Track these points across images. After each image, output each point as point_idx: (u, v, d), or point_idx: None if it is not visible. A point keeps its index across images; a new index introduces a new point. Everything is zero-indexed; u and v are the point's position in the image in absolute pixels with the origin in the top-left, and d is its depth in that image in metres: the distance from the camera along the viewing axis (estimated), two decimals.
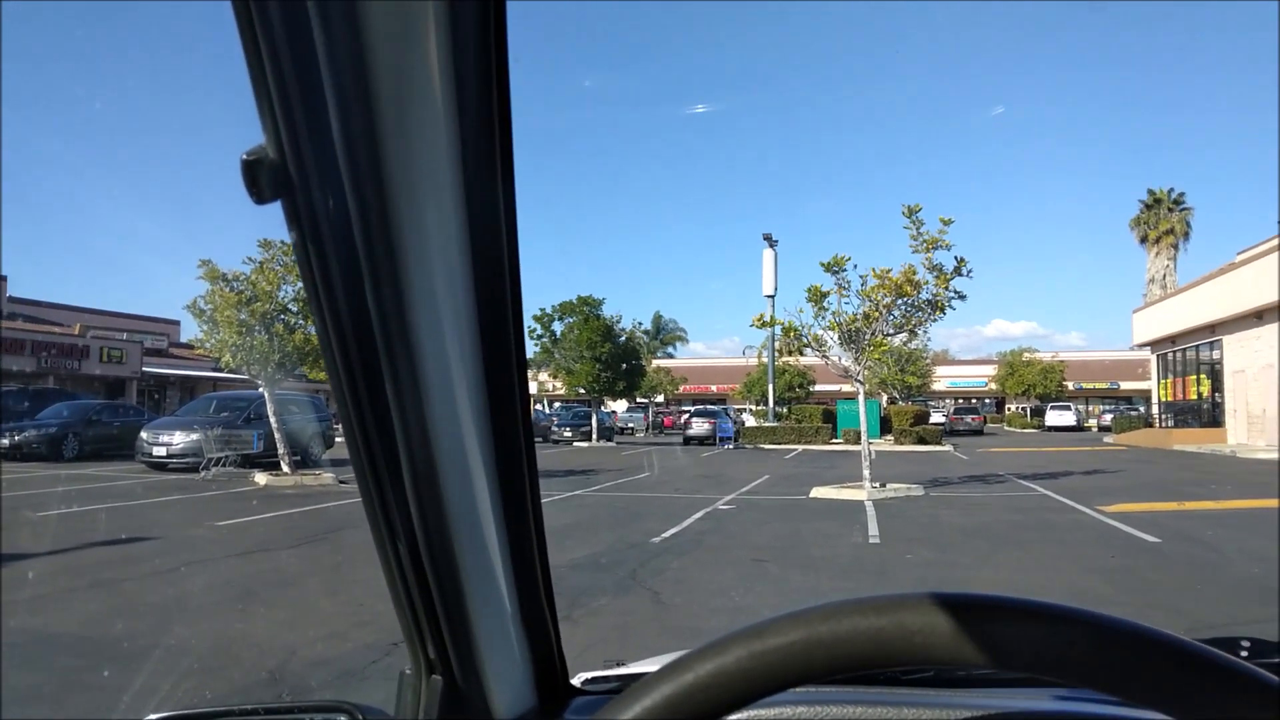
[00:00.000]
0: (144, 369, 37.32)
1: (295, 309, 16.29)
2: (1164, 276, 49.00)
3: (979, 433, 48.28)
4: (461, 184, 0.69)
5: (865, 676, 1.05)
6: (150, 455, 18.47)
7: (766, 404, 41.69)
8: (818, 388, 47.54)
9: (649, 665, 1.28)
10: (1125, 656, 0.51)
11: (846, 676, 1.05)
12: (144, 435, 19.01)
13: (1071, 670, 0.52)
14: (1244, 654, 1.21)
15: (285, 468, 16.62)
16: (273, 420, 16.83)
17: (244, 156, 0.61)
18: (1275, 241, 25.43)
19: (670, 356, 70.98)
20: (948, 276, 14.18)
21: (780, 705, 0.89)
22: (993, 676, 1.07)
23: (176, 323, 42.91)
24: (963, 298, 14.34)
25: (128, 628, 5.71)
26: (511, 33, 0.67)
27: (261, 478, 16.17)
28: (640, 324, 45.94)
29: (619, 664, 1.26)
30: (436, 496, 0.74)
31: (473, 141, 0.68)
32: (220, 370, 19.10)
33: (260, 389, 17.07)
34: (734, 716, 0.90)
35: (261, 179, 0.61)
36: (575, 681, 1.05)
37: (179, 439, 18.36)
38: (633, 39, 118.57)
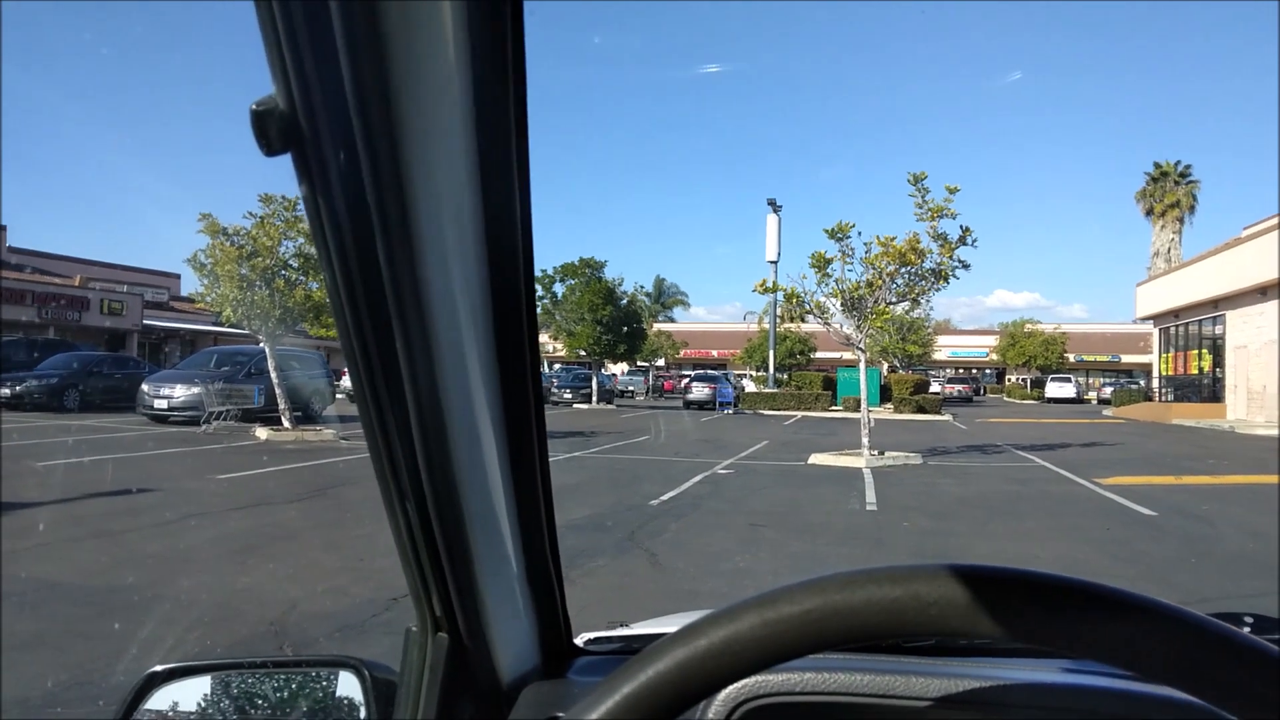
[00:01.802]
0: (144, 322, 37.32)
1: (296, 265, 16.24)
2: (1169, 250, 48.77)
3: (969, 400, 50.49)
4: (475, 139, 0.67)
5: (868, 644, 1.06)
6: (151, 408, 18.54)
7: (767, 370, 41.73)
8: (819, 355, 47.58)
9: (651, 627, 1.29)
10: (1141, 632, 0.51)
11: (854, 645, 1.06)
12: (145, 388, 19.06)
13: (1084, 645, 0.52)
14: (1247, 629, 1.22)
15: (286, 423, 16.69)
16: (274, 375, 16.86)
17: (253, 107, 0.60)
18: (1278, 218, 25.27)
19: (672, 320, 70.91)
20: (952, 245, 14.08)
21: (786, 671, 0.90)
22: (995, 645, 1.07)
23: (177, 276, 42.87)
24: (966, 267, 14.27)
25: (128, 578, 5.77)
26: None
27: (262, 432, 16.23)
28: (642, 287, 45.93)
29: (622, 624, 1.27)
30: (445, 455, 0.74)
31: (488, 95, 0.66)
32: (221, 325, 19.09)
33: (261, 344, 17.09)
34: (744, 680, 0.91)
35: (271, 130, 0.60)
36: (578, 641, 1.06)
37: (180, 392, 18.41)
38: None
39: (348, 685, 0.98)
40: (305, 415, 17.52)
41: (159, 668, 1.00)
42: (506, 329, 0.77)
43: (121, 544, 6.79)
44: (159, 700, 0.98)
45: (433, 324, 0.69)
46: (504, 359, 0.78)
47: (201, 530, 7.56)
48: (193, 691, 1.00)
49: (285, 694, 1.01)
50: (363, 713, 0.95)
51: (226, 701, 1.00)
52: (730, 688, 0.90)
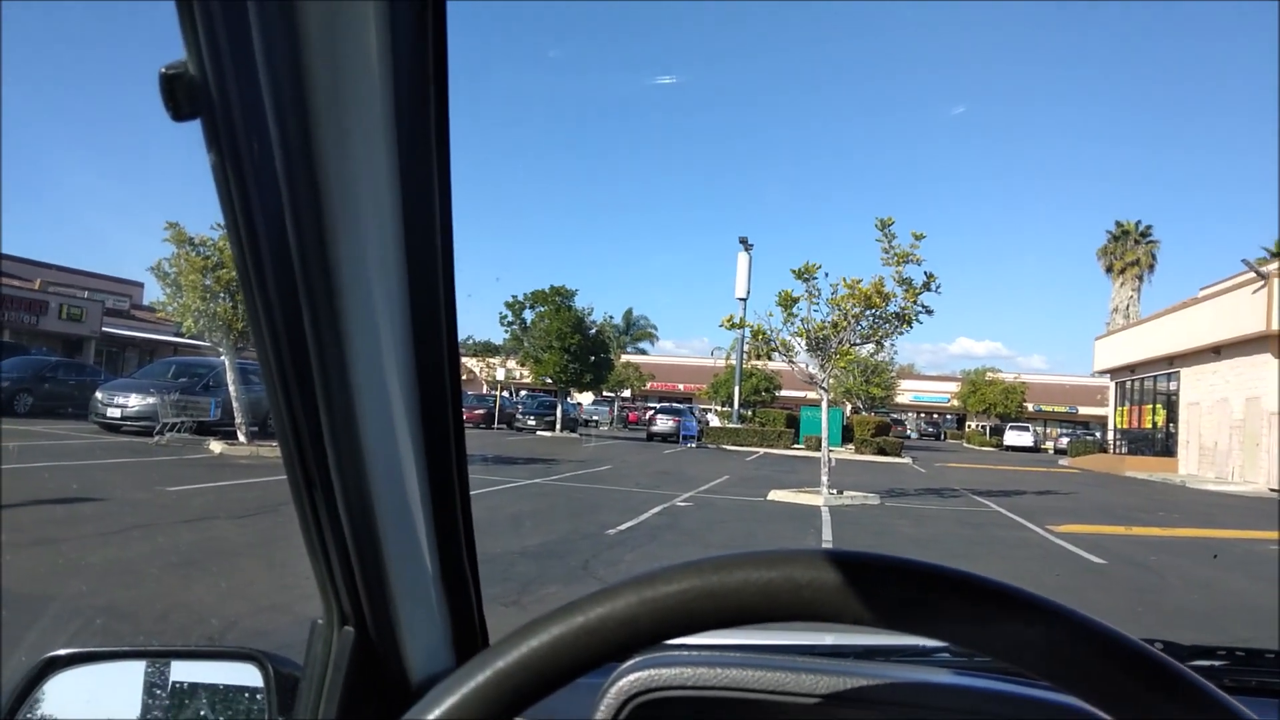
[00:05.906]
0: (104, 329, 36.62)
1: None
2: (1127, 307, 49.86)
3: (905, 439, 50.81)
4: (392, 110, 0.65)
5: (805, 649, 1.06)
6: (104, 416, 18.14)
7: (732, 405, 41.86)
8: (783, 393, 47.82)
9: None
10: (1016, 625, 0.51)
11: (784, 647, 1.05)
12: (99, 396, 18.65)
13: (958, 634, 0.52)
14: None
15: (241, 437, 16.41)
16: (232, 389, 16.61)
17: (163, 70, 0.58)
18: (1240, 278, 25.93)
19: (640, 352, 70.92)
20: (916, 290, 14.34)
21: (679, 666, 0.90)
22: (933, 658, 1.08)
23: (140, 285, 42.16)
24: (930, 313, 14.53)
25: (66, 586, 5.61)
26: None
27: (216, 446, 15.95)
28: (611, 318, 45.83)
29: None
30: (354, 440, 0.72)
31: (406, 66, 0.65)
32: (181, 335, 18.78)
33: (221, 356, 16.84)
34: (637, 674, 0.91)
35: (180, 94, 0.58)
36: None
37: (134, 401, 18.04)
38: (613, 13, 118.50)
39: (251, 677, 0.96)
40: (262, 430, 17.21)
41: (60, 652, 0.97)
42: (424, 309, 0.74)
43: (60, 553, 6.61)
44: (57, 685, 0.96)
45: (342, 302, 0.67)
46: (420, 343, 0.75)
47: (144, 542, 7.38)
48: (93, 678, 0.97)
49: (186, 684, 0.99)
50: (264, 706, 0.93)
51: (126, 689, 0.98)
52: (623, 681, 0.90)
